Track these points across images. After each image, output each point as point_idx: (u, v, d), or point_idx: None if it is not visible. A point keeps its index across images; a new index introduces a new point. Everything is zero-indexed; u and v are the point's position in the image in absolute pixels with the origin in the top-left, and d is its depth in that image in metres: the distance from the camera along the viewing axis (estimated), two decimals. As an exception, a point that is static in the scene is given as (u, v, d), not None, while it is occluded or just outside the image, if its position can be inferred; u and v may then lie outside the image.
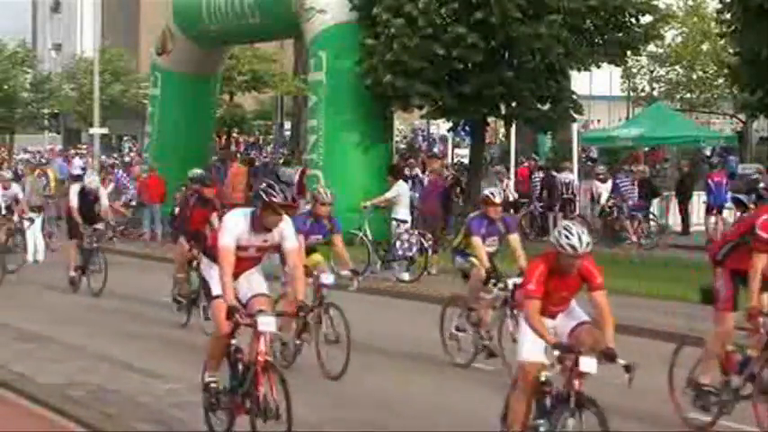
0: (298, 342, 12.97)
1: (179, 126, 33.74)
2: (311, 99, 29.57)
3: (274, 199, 9.30)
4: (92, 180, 21.14)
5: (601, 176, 30.77)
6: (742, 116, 44.28)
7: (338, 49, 28.11)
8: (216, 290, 9.57)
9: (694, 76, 50.45)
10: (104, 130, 46.17)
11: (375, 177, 26.16)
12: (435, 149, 44.42)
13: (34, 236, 24.86)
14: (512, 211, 31.09)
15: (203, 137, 34.59)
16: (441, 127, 46.90)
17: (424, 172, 30.39)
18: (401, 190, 22.57)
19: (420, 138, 54.36)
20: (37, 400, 11.32)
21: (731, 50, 33.22)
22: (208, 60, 34.55)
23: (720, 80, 45.98)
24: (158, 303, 18.48)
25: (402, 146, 46.67)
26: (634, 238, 28.07)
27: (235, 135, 53.04)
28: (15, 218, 22.17)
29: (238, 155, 40.77)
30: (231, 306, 9.23)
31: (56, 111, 63.71)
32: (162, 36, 34.67)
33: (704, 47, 49.55)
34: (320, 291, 13.17)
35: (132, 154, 36.49)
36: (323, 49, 28.39)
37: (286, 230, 9.57)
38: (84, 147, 59.53)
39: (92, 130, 45.62)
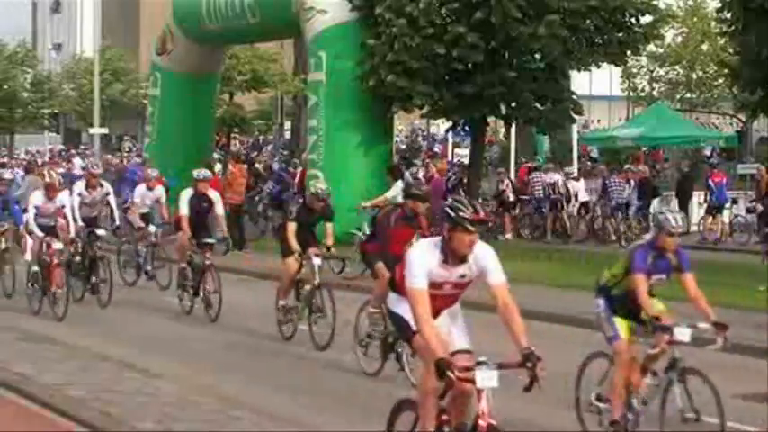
0: None
1: (179, 126, 33.71)
2: (311, 99, 29.55)
3: (462, 214, 7.56)
4: (204, 184, 17.78)
5: (573, 175, 31.07)
6: (742, 116, 44.30)
7: (338, 50, 28.10)
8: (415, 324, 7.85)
9: (694, 76, 50.50)
10: (104, 130, 46.26)
11: (375, 177, 26.15)
12: (436, 149, 44.44)
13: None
14: (512, 211, 31.24)
15: (203, 137, 34.56)
16: (441, 127, 46.93)
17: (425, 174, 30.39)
18: (401, 190, 22.54)
19: (420, 138, 54.39)
20: (37, 400, 11.32)
21: (731, 50, 33.23)
22: (208, 60, 34.53)
23: (720, 80, 46.02)
24: (160, 302, 18.50)
25: (402, 146, 46.67)
26: (614, 237, 28.47)
27: (236, 134, 53.03)
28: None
29: (240, 155, 40.75)
30: (441, 361, 7.32)
31: (56, 111, 63.77)
32: (162, 36, 34.67)
33: (704, 47, 49.60)
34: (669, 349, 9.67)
35: (146, 155, 36.23)
36: (323, 49, 28.39)
37: (487, 260, 7.74)
38: (83, 147, 59.63)
39: (92, 130, 45.70)
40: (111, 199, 19.35)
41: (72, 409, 10.81)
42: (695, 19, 50.06)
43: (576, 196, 30.97)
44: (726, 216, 30.24)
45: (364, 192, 24.64)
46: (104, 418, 10.44)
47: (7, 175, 20.46)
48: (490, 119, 30.71)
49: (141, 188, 21.54)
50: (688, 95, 51.17)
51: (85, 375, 12.37)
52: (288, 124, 53.98)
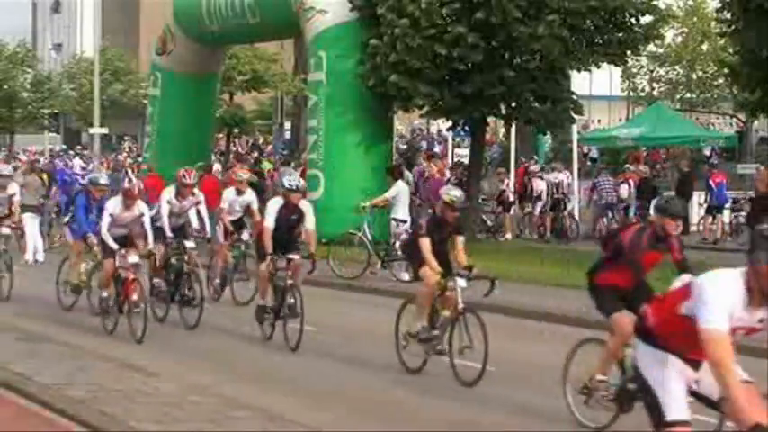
0: None
1: (179, 126, 33.73)
2: (311, 99, 29.56)
3: None
4: (297, 195, 15.19)
5: (537, 174, 31.20)
6: (742, 116, 44.30)
7: (338, 50, 28.10)
8: (674, 412, 6.00)
9: (694, 76, 50.52)
10: (104, 130, 46.21)
11: (375, 177, 26.15)
12: (436, 149, 44.44)
13: (33, 237, 24.85)
14: (511, 211, 31.26)
15: (203, 137, 34.58)
16: (441, 126, 46.92)
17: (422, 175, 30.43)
18: (401, 190, 22.56)
19: (419, 138, 54.37)
20: (37, 400, 11.31)
21: (731, 50, 33.23)
22: (208, 60, 34.55)
23: (720, 80, 46.03)
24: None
25: (403, 146, 46.66)
26: (596, 235, 28.66)
27: (236, 135, 53.07)
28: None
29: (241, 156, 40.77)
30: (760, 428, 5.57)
31: (56, 111, 63.81)
32: (162, 36, 34.68)
33: (704, 47, 49.63)
34: None
35: (146, 155, 36.21)
36: (323, 49, 28.39)
37: None
38: (79, 147, 59.62)
39: (92, 130, 45.66)
40: (203, 208, 17.77)
41: (71, 408, 10.80)
42: (695, 19, 50.08)
43: (540, 195, 31.06)
44: (726, 216, 30.25)
45: (364, 192, 24.64)
46: (104, 418, 10.43)
47: (103, 180, 17.82)
48: (490, 119, 30.72)
49: (230, 192, 19.36)
50: (688, 95, 51.19)
51: (85, 375, 12.36)
52: (288, 124, 54.00)
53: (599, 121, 59.55)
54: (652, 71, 51.20)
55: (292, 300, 14.52)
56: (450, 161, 37.10)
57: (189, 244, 16.87)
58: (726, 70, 33.83)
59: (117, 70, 60.85)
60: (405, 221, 22.22)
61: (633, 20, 28.18)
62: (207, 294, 17.34)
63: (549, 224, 30.50)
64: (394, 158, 30.69)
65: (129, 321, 15.23)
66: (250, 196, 19.01)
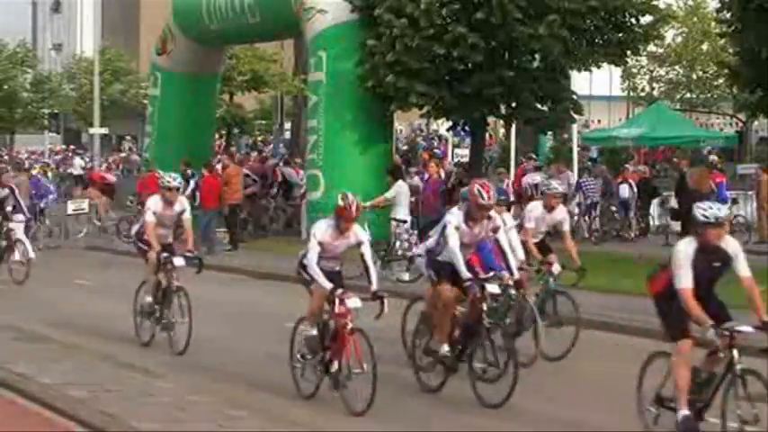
0: None
1: (179, 126, 33.71)
2: (311, 99, 29.55)
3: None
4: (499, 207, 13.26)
5: (501, 175, 31.36)
6: (742, 116, 44.31)
7: (338, 50, 28.09)
8: None
9: (694, 76, 50.55)
10: (104, 130, 46.26)
11: (375, 177, 26.14)
12: (436, 150, 44.44)
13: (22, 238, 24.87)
14: (511, 211, 31.24)
15: (203, 137, 34.57)
16: (441, 126, 46.93)
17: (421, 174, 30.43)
18: (401, 190, 22.56)
19: (419, 138, 54.37)
20: (37, 400, 11.32)
21: (731, 50, 33.23)
22: (208, 60, 34.54)
23: (720, 80, 46.02)
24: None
25: (403, 147, 46.67)
26: (586, 234, 28.91)
27: (236, 134, 53.08)
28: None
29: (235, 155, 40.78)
30: None
31: (56, 111, 63.79)
32: (162, 36, 34.68)
33: (704, 47, 49.64)
34: None
35: (146, 155, 36.21)
36: (323, 49, 28.38)
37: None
38: (74, 147, 59.65)
39: (92, 130, 45.71)
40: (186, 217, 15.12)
41: (72, 408, 10.81)
42: (695, 19, 50.09)
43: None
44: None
45: (364, 192, 24.61)
46: (104, 418, 10.44)
47: (175, 182, 15.08)
48: (490, 119, 30.72)
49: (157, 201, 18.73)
50: (688, 95, 51.21)
51: (85, 375, 12.37)
52: (288, 124, 53.97)
53: (599, 121, 59.55)
54: (652, 71, 51.22)
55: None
56: (450, 161, 37.10)
57: (178, 261, 14.53)
58: (726, 70, 33.80)
59: (117, 70, 60.83)
60: (405, 221, 22.21)
61: (633, 20, 28.17)
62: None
63: None
64: (394, 158, 30.67)
65: (169, 333, 14.36)
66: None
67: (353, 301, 11.29)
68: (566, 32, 26.46)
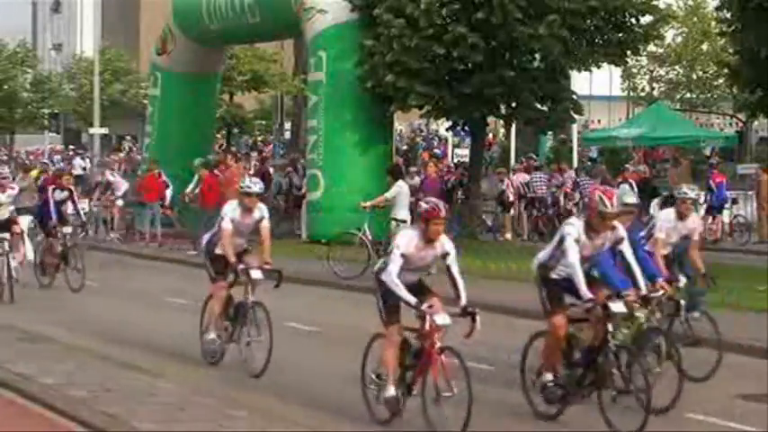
0: None
1: (179, 126, 33.74)
2: (311, 99, 29.57)
3: None
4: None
5: (501, 175, 31.37)
6: (742, 116, 44.30)
7: (338, 50, 28.11)
8: None
9: (694, 76, 50.53)
10: (104, 130, 46.25)
11: (375, 177, 26.14)
12: (436, 150, 44.46)
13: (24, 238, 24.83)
14: (512, 211, 31.27)
15: (203, 137, 34.57)
16: (441, 126, 46.93)
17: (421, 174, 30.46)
18: (401, 190, 22.53)
19: (420, 138, 54.36)
20: (37, 400, 11.32)
21: (731, 50, 33.23)
22: (208, 60, 34.55)
23: (720, 80, 46.02)
24: (160, 302, 18.51)
25: (403, 147, 46.67)
26: None
27: (237, 134, 53.06)
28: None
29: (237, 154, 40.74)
30: None
31: (56, 111, 63.76)
32: (162, 36, 34.69)
33: (704, 47, 49.63)
34: None
35: (146, 155, 36.09)
36: (323, 49, 28.40)
37: None
38: (72, 147, 59.59)
39: (92, 130, 45.71)
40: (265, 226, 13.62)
41: (72, 409, 10.80)
42: (695, 19, 50.06)
43: (502, 194, 31.23)
44: (726, 216, 30.24)
45: (364, 192, 24.64)
46: (105, 418, 10.43)
47: (257, 188, 13.47)
48: (490, 119, 30.73)
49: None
50: (688, 95, 51.19)
51: (85, 375, 12.36)
52: (288, 124, 53.99)
53: (599, 121, 59.54)
54: (652, 71, 51.19)
55: None
56: (450, 161, 37.12)
57: (255, 274, 13.04)
58: (726, 70, 33.82)
59: (117, 70, 60.80)
60: (405, 221, 22.19)
61: (633, 20, 28.20)
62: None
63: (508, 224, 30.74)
64: (394, 158, 30.69)
65: (244, 353, 13.05)
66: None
67: (443, 318, 10.21)
68: (566, 32, 26.48)
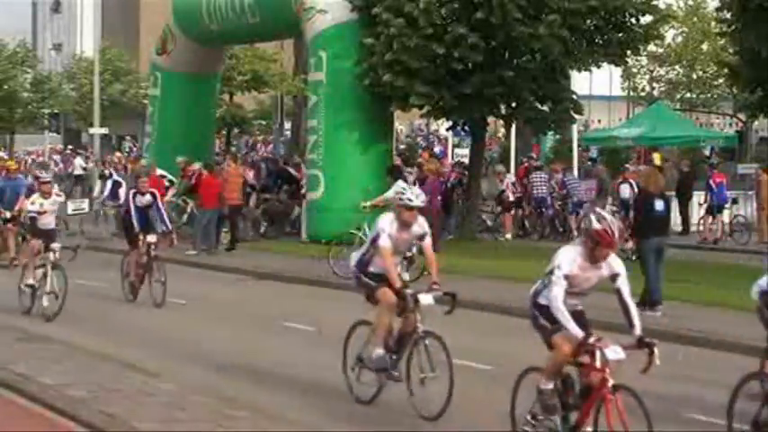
0: None
1: (179, 126, 33.74)
2: (311, 99, 29.57)
3: None
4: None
5: (501, 175, 31.38)
6: (742, 116, 44.34)
7: (338, 49, 28.11)
8: None
9: (694, 76, 50.57)
10: (104, 130, 46.24)
11: (375, 177, 26.14)
12: (436, 150, 44.47)
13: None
14: (511, 211, 31.27)
15: (203, 137, 34.58)
16: (441, 126, 46.95)
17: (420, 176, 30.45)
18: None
19: (420, 138, 54.38)
20: (37, 400, 11.32)
21: (731, 50, 33.26)
22: (208, 60, 34.56)
23: (720, 80, 46.06)
24: (160, 305, 18.48)
25: (402, 146, 46.68)
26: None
27: (237, 134, 53.04)
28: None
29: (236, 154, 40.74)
30: None
31: (56, 111, 63.76)
32: (162, 36, 34.69)
33: (704, 47, 49.66)
34: None
35: (145, 155, 36.10)
36: (323, 49, 28.40)
37: None
38: (70, 147, 59.59)
39: (92, 130, 45.69)
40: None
41: (72, 409, 10.81)
42: (695, 19, 50.11)
43: (500, 194, 31.32)
44: (726, 216, 30.25)
45: (364, 192, 24.63)
46: (104, 418, 10.44)
47: (417, 202, 11.77)
48: (490, 119, 30.74)
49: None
50: (688, 95, 51.23)
51: (85, 375, 12.36)
52: (288, 124, 53.99)
53: (599, 121, 59.57)
54: (652, 71, 51.23)
55: None
56: (450, 161, 37.10)
57: (425, 299, 11.33)
58: (726, 70, 33.86)
59: (117, 70, 60.80)
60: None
61: (633, 20, 28.20)
62: None
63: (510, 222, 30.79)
64: (394, 158, 30.70)
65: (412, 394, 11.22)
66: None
67: (614, 352, 8.79)
68: (566, 32, 26.49)
